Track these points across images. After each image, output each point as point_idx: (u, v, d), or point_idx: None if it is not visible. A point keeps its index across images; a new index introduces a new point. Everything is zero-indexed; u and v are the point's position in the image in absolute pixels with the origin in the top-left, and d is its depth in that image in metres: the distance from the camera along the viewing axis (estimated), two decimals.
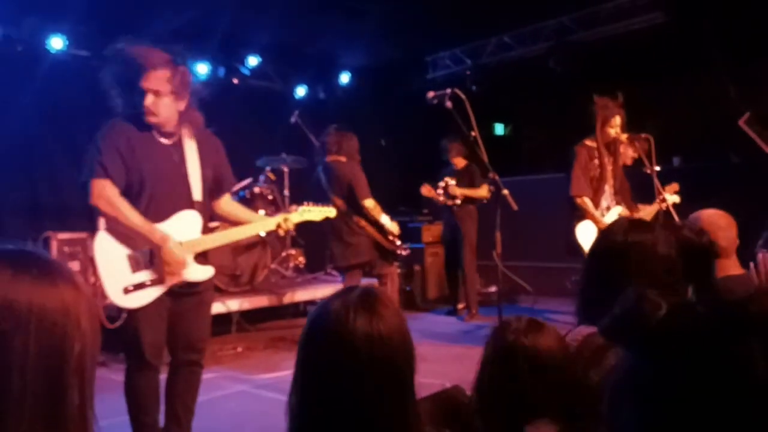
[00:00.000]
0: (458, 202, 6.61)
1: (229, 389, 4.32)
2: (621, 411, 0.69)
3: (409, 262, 7.28)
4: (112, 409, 2.82)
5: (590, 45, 7.38)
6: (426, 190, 6.66)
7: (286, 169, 6.64)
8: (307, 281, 6.66)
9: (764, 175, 5.51)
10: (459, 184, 6.62)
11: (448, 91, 4.28)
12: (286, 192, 6.60)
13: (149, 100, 2.69)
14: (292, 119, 6.66)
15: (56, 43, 6.38)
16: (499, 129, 9.63)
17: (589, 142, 4.75)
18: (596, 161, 4.72)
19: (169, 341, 2.92)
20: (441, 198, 6.60)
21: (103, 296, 2.70)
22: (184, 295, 2.88)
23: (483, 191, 6.52)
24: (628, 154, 5.12)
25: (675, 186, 4.96)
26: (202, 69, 7.36)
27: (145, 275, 2.76)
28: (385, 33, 7.15)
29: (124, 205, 2.68)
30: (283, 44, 7.69)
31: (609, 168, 4.74)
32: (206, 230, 2.96)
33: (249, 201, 5.98)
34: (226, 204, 3.17)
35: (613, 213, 4.71)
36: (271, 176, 6.52)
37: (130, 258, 2.75)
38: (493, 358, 1.59)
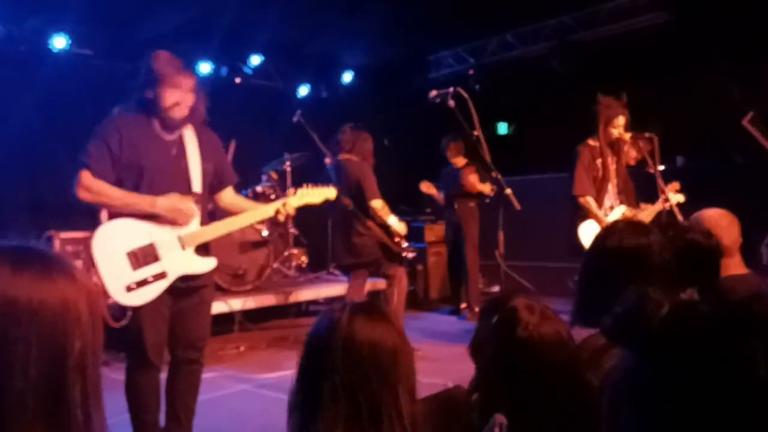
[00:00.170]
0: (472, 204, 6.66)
1: (231, 388, 4.32)
2: (621, 411, 0.69)
3: (412, 262, 7.27)
4: (113, 408, 2.81)
5: (592, 44, 7.37)
6: (426, 186, 6.66)
7: (288, 168, 6.64)
8: (310, 281, 6.66)
9: (767, 174, 5.50)
10: (462, 184, 6.65)
11: (451, 90, 4.29)
12: (291, 189, 6.59)
13: (184, 95, 2.82)
14: (295, 118, 6.65)
15: (59, 42, 6.39)
16: (503, 128, 9.61)
17: (592, 142, 4.74)
18: (599, 161, 4.70)
19: (170, 340, 2.92)
20: (434, 193, 6.63)
21: (106, 295, 2.70)
22: (185, 292, 2.89)
23: (486, 187, 6.53)
24: (631, 155, 5.11)
25: (676, 185, 4.94)
26: (205, 68, 7.37)
27: (146, 271, 2.76)
28: (387, 32, 7.14)
29: (105, 187, 2.74)
30: (285, 43, 7.69)
31: (612, 167, 4.73)
32: (206, 222, 2.96)
33: (252, 201, 5.97)
34: (228, 197, 3.18)
35: (617, 212, 4.69)
36: (274, 175, 6.52)
37: (130, 255, 2.75)
38: (499, 346, 1.55)
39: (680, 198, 4.84)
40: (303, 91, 8.69)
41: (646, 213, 4.76)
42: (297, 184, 6.71)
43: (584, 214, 4.62)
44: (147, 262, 2.77)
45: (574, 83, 7.22)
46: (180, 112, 2.84)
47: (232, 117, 6.65)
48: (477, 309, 6.64)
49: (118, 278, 2.72)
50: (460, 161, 6.87)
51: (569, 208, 4.76)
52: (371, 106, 8.46)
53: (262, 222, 5.72)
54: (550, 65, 7.65)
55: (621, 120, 4.65)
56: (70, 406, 0.89)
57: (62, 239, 5.21)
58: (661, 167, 4.81)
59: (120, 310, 2.75)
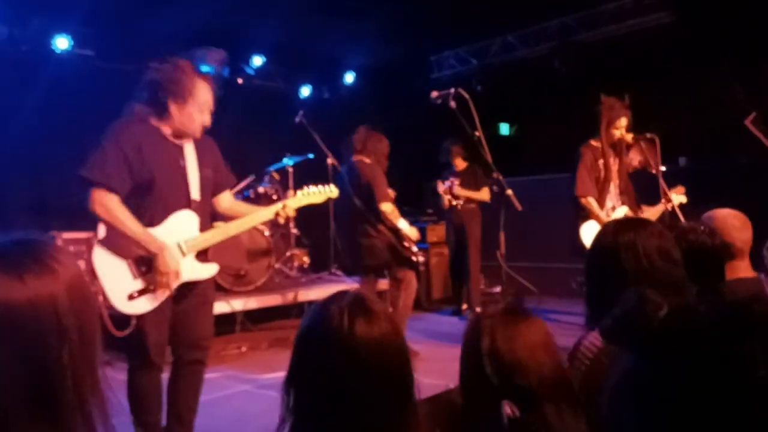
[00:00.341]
0: (461, 202, 6.60)
1: (233, 389, 4.32)
2: (622, 412, 0.69)
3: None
4: (115, 409, 2.82)
5: (595, 45, 7.37)
6: (442, 188, 6.68)
7: (290, 169, 6.64)
8: (312, 281, 6.66)
9: None
10: (462, 186, 6.62)
11: (452, 90, 4.28)
12: (291, 191, 6.60)
13: (207, 114, 2.86)
14: (297, 119, 6.65)
15: (62, 43, 6.40)
16: (505, 129, 9.61)
17: (594, 143, 4.73)
18: (601, 162, 4.70)
19: (172, 340, 2.92)
20: (447, 197, 6.59)
21: (107, 303, 2.69)
22: (187, 293, 2.89)
23: (484, 194, 6.52)
24: (634, 161, 5.10)
25: (681, 189, 4.92)
26: (207, 69, 7.36)
27: (148, 280, 2.76)
28: (389, 33, 7.14)
29: (123, 213, 2.68)
30: (287, 44, 7.69)
31: (614, 168, 4.73)
32: (207, 228, 2.96)
33: (254, 201, 5.99)
34: (226, 201, 3.17)
35: (618, 213, 4.69)
36: (276, 176, 6.53)
37: (131, 264, 2.75)
38: (465, 354, 1.58)
39: (682, 199, 4.83)
40: (305, 91, 8.70)
41: (649, 214, 4.75)
42: (299, 183, 6.74)
43: (586, 214, 4.62)
44: (148, 270, 2.76)
45: (576, 84, 7.22)
46: (201, 132, 2.88)
47: (234, 118, 6.66)
48: (478, 310, 6.64)
49: (120, 287, 2.71)
50: (461, 164, 6.88)
51: (571, 209, 4.75)
52: (373, 107, 8.45)
53: (263, 223, 5.73)
54: (552, 66, 7.65)
55: (623, 121, 4.65)
56: (66, 408, 0.87)
57: (65, 239, 5.21)
58: (664, 168, 4.79)
59: (124, 319, 2.75)
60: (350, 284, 6.40)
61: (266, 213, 3.12)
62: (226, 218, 3.09)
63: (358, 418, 1.19)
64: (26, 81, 6.05)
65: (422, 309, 7.17)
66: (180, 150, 2.89)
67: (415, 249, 4.99)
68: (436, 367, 4.61)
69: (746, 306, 0.66)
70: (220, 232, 2.98)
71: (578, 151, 4.74)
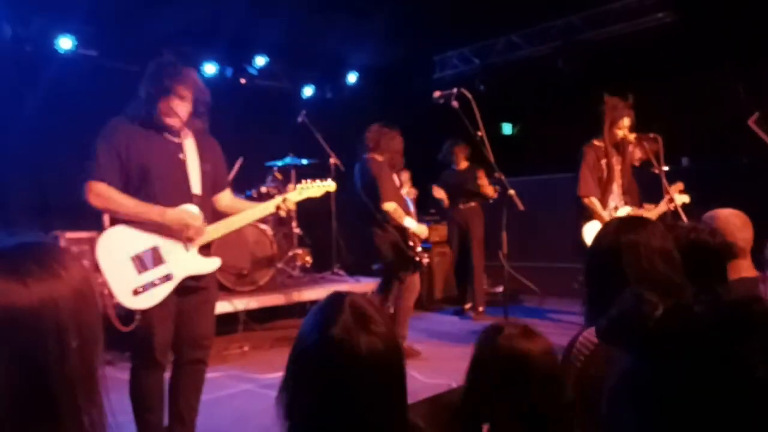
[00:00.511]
0: (473, 204, 6.67)
1: (235, 388, 4.33)
2: (620, 413, 0.69)
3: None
4: (117, 408, 2.82)
5: (598, 44, 7.35)
6: (437, 191, 6.69)
7: (293, 169, 6.65)
8: (314, 281, 6.66)
9: None
10: (464, 185, 6.66)
11: (455, 90, 4.29)
12: (291, 186, 6.60)
13: (175, 102, 2.83)
14: (299, 119, 6.67)
15: (65, 43, 6.42)
16: (507, 129, 9.60)
17: (597, 142, 4.73)
18: (604, 161, 4.70)
19: (175, 340, 2.93)
20: (442, 197, 6.63)
21: (112, 298, 2.71)
22: (189, 292, 2.90)
23: (489, 190, 6.55)
24: (635, 155, 5.10)
25: (680, 185, 4.92)
26: (210, 69, 7.39)
27: (152, 274, 2.78)
28: (392, 32, 7.14)
29: (116, 194, 2.74)
30: (290, 44, 7.69)
31: (617, 168, 4.72)
32: (209, 222, 2.97)
33: (256, 200, 5.98)
34: (226, 199, 3.19)
35: (622, 213, 4.68)
36: (278, 175, 6.53)
37: (134, 259, 2.77)
38: (482, 361, 1.58)
39: (685, 199, 4.82)
40: (308, 91, 8.70)
41: (651, 213, 4.74)
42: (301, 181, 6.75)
43: (589, 214, 4.62)
44: (152, 265, 2.78)
45: (579, 84, 7.21)
46: (177, 122, 2.87)
47: (237, 118, 6.67)
48: (481, 309, 6.64)
49: (124, 283, 2.73)
50: (462, 163, 6.88)
51: (574, 209, 4.75)
52: (376, 107, 8.44)
53: (265, 221, 5.74)
54: (555, 65, 7.64)
55: (626, 121, 4.64)
56: (65, 413, 0.87)
57: (68, 239, 5.22)
58: (666, 168, 4.79)
59: (128, 314, 2.76)
60: (352, 284, 6.41)
61: (268, 206, 3.15)
62: (227, 216, 3.11)
63: (351, 423, 1.19)
64: (29, 81, 6.06)
65: (424, 309, 7.17)
66: (178, 146, 2.92)
67: (419, 250, 4.94)
68: (437, 367, 4.63)
69: (745, 306, 0.66)
70: (223, 225, 3.01)
71: (581, 150, 4.74)
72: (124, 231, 2.79)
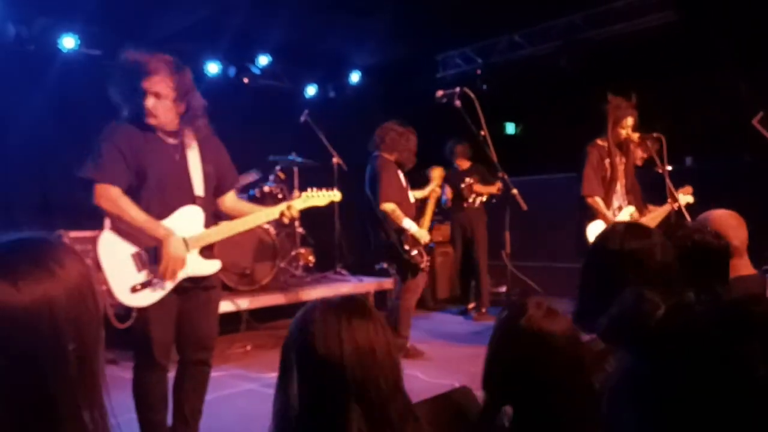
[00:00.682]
0: (483, 199, 6.63)
1: (238, 388, 4.33)
2: (620, 413, 0.69)
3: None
4: (121, 407, 2.83)
5: (601, 44, 7.34)
6: (446, 192, 6.69)
7: (296, 168, 6.65)
8: (317, 280, 6.66)
9: None
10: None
11: (457, 89, 4.27)
12: (296, 191, 6.61)
13: (150, 102, 2.76)
14: (302, 118, 6.67)
15: (68, 42, 6.42)
16: (510, 128, 9.59)
17: (600, 142, 4.73)
18: (607, 161, 4.69)
19: (178, 340, 2.93)
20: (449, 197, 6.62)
21: (111, 296, 2.72)
22: (191, 292, 2.90)
23: (494, 187, 6.54)
24: (637, 155, 5.09)
25: (689, 189, 4.91)
26: (213, 68, 7.39)
27: (151, 273, 2.78)
28: (395, 32, 7.14)
29: (127, 203, 2.73)
30: (293, 43, 7.70)
31: (620, 168, 4.72)
32: (211, 224, 2.97)
33: (259, 200, 6.00)
34: (230, 200, 3.19)
35: (625, 213, 4.68)
36: (281, 175, 6.54)
37: (135, 257, 2.77)
38: (504, 339, 1.55)
39: (689, 199, 4.81)
40: (311, 91, 8.70)
41: (655, 214, 4.74)
42: (304, 182, 6.76)
43: (592, 214, 4.61)
44: (152, 264, 2.78)
45: (581, 83, 7.20)
46: (152, 120, 2.80)
47: (240, 117, 6.68)
48: (484, 309, 6.64)
49: (123, 280, 2.73)
50: (464, 163, 6.88)
51: (577, 209, 4.74)
52: (379, 106, 8.45)
53: (268, 222, 5.74)
54: (558, 65, 7.63)
55: (630, 120, 4.64)
56: (64, 419, 0.85)
57: (71, 238, 5.23)
58: (670, 167, 4.78)
59: (125, 311, 2.76)
60: (355, 283, 6.41)
61: (271, 212, 3.14)
62: (230, 218, 3.11)
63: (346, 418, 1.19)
64: (33, 80, 6.07)
65: (427, 308, 7.18)
66: (177, 147, 2.90)
67: (414, 253, 4.86)
68: (441, 367, 4.63)
69: (745, 305, 0.66)
70: (225, 228, 3.00)
71: (584, 150, 4.73)
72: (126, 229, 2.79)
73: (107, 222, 2.81)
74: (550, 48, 7.79)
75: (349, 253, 7.50)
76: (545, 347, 1.45)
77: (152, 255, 2.79)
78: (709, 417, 0.61)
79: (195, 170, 2.93)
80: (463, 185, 6.70)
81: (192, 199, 2.90)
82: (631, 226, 1.85)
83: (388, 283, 6.03)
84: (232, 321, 5.62)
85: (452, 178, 6.81)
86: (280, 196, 6.22)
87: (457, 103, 4.32)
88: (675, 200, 4.69)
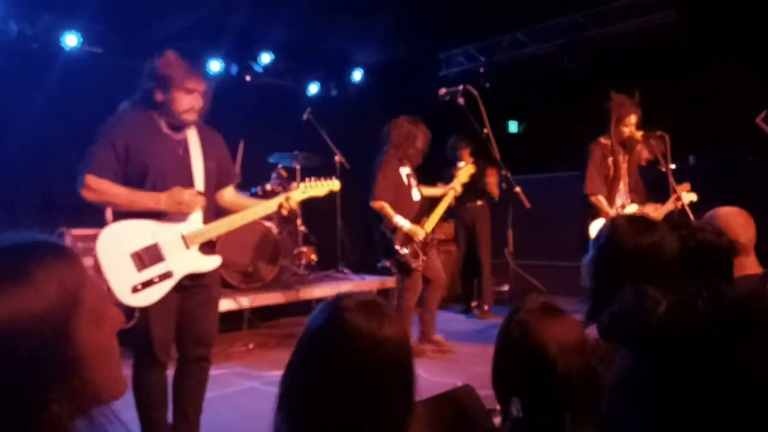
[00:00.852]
0: (480, 203, 6.64)
1: (240, 386, 4.33)
2: (621, 412, 0.68)
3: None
4: (122, 405, 2.83)
5: (605, 42, 7.32)
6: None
7: (298, 166, 6.65)
8: (319, 278, 6.66)
9: None
10: (473, 183, 6.64)
11: (460, 87, 4.28)
12: (295, 184, 6.59)
13: (194, 100, 2.84)
14: (304, 116, 6.67)
15: (70, 40, 6.42)
16: (513, 127, 9.57)
17: (603, 140, 4.71)
18: (611, 159, 4.68)
19: (178, 337, 2.93)
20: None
21: (111, 296, 2.71)
22: (191, 290, 2.90)
23: (495, 190, 6.55)
24: (642, 155, 5.08)
25: (687, 186, 4.89)
26: (215, 66, 7.38)
27: (151, 272, 2.77)
28: (397, 30, 7.12)
29: (108, 186, 2.75)
30: (295, 41, 7.69)
31: (623, 166, 4.70)
32: (211, 220, 2.97)
33: (261, 198, 5.98)
34: (229, 195, 3.19)
35: (628, 211, 4.67)
36: (283, 173, 6.53)
37: (134, 257, 2.76)
38: (501, 345, 1.55)
39: (692, 197, 4.79)
40: (313, 89, 8.69)
41: (658, 213, 4.72)
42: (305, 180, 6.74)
43: (595, 212, 4.60)
44: (152, 263, 2.77)
45: (584, 81, 7.18)
46: (192, 116, 2.87)
47: (242, 115, 6.68)
48: (487, 308, 6.63)
49: (124, 280, 2.73)
50: (468, 160, 6.86)
51: (580, 207, 4.73)
52: (381, 105, 8.44)
53: (270, 219, 5.73)
54: (561, 63, 7.61)
55: (633, 118, 4.62)
56: (56, 422, 0.80)
57: (74, 236, 5.23)
58: (673, 166, 4.77)
59: (127, 312, 2.76)
60: (357, 282, 6.40)
61: (270, 205, 3.13)
62: (230, 213, 3.10)
63: (360, 419, 1.17)
64: (35, 78, 6.07)
65: None
66: (180, 142, 2.91)
67: (406, 251, 4.80)
68: (443, 366, 4.62)
69: (746, 303, 0.65)
70: (225, 223, 3.00)
71: (587, 148, 4.72)
72: (124, 228, 2.79)
73: (109, 220, 2.82)
74: (553, 46, 7.77)
75: (352, 251, 7.49)
76: (545, 354, 1.44)
77: (152, 255, 2.78)
78: (710, 417, 0.60)
79: (197, 166, 2.93)
80: (487, 179, 6.71)
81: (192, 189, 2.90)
82: (638, 223, 1.83)
83: (390, 281, 6.02)
84: (234, 319, 5.63)
85: (452, 176, 6.79)
86: (281, 194, 6.21)
87: (460, 101, 4.32)
88: (678, 198, 4.67)
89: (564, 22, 7.62)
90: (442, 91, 4.46)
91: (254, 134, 6.61)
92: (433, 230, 5.01)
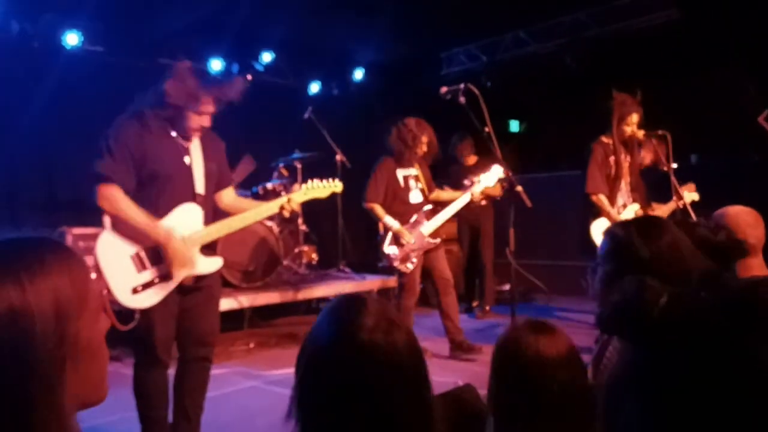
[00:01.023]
0: (484, 202, 6.60)
1: (241, 385, 4.33)
2: (623, 404, 0.67)
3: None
4: (123, 404, 2.83)
5: (606, 41, 7.31)
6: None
7: (299, 166, 6.64)
8: (320, 277, 6.65)
9: None
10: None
11: (462, 86, 4.25)
12: (297, 184, 6.59)
13: (207, 119, 2.87)
14: (306, 115, 6.66)
15: (72, 39, 6.42)
16: (514, 126, 9.57)
17: (605, 139, 4.70)
18: (612, 158, 4.67)
19: (179, 337, 2.93)
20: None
21: (111, 297, 2.70)
22: (192, 289, 2.89)
23: (497, 189, 6.51)
24: (646, 158, 5.07)
25: (692, 186, 4.88)
26: (216, 65, 7.38)
27: (151, 273, 2.77)
28: (399, 29, 7.12)
29: (128, 204, 2.72)
30: (297, 40, 7.68)
31: (625, 165, 4.69)
32: (209, 222, 2.97)
33: (262, 197, 5.98)
34: (228, 197, 3.17)
35: (629, 211, 4.66)
36: (284, 172, 6.53)
37: (134, 258, 2.76)
38: (497, 364, 1.56)
39: (694, 196, 4.79)
40: (314, 88, 8.69)
41: (660, 212, 4.72)
42: (307, 180, 6.73)
43: (597, 211, 4.60)
44: (152, 264, 2.77)
45: (586, 81, 7.17)
46: (201, 132, 2.90)
47: (243, 114, 6.64)
48: (488, 308, 6.62)
49: (123, 281, 2.72)
50: (471, 159, 6.85)
51: (581, 206, 4.73)
52: (382, 104, 8.44)
53: (271, 218, 5.73)
54: (563, 62, 7.60)
55: (635, 117, 4.61)
56: (42, 418, 0.79)
57: (75, 235, 5.23)
58: (675, 165, 4.76)
59: (128, 313, 2.75)
60: (358, 281, 6.40)
61: (271, 206, 3.11)
62: (230, 215, 3.09)
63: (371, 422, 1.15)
64: (36, 77, 6.07)
65: (431, 306, 7.16)
66: (186, 148, 2.91)
67: (392, 252, 4.78)
68: (445, 365, 4.62)
69: (747, 295, 0.64)
70: (225, 225, 2.99)
71: (589, 147, 4.71)
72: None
73: (107, 222, 2.80)
74: (554, 45, 7.77)
75: (353, 250, 7.49)
76: (537, 370, 1.45)
77: (152, 256, 2.77)
78: (711, 406, 0.60)
79: (197, 168, 2.93)
80: (467, 182, 6.67)
81: (192, 197, 2.89)
82: (644, 226, 1.74)
83: (391, 281, 6.00)
84: (234, 318, 5.62)
85: (459, 175, 6.78)
86: (283, 193, 6.20)
87: (462, 99, 4.30)
88: (680, 198, 4.67)
89: (566, 22, 7.61)
90: (444, 90, 4.44)
91: (255, 133, 6.61)
92: (435, 235, 4.97)
